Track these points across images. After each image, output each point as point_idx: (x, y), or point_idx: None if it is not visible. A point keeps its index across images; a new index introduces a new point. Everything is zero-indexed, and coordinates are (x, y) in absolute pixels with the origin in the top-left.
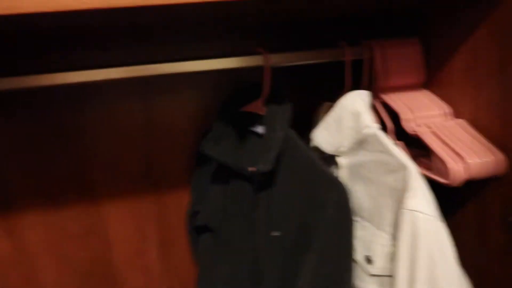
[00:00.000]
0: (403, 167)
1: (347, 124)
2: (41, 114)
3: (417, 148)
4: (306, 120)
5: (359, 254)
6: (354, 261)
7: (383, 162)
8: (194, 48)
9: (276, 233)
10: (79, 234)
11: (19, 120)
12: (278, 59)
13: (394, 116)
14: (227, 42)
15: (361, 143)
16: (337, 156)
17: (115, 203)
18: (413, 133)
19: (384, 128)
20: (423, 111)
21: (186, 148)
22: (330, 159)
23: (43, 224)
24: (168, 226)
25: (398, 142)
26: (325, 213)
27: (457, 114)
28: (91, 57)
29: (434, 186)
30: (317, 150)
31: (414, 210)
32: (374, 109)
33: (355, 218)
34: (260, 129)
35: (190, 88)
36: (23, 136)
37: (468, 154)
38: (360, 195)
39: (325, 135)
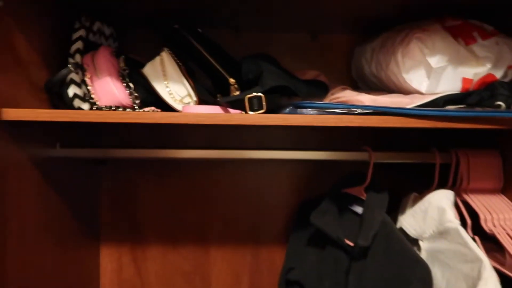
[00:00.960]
0: (478, 260)
1: (432, 216)
2: (182, 175)
3: (491, 243)
4: (393, 204)
5: None
6: None
7: (461, 252)
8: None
9: None
10: (188, 271)
11: (166, 177)
12: (381, 157)
13: (473, 214)
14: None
15: (442, 233)
16: (420, 240)
17: (220, 250)
18: (490, 232)
19: (463, 223)
20: (500, 213)
21: (285, 214)
22: (413, 242)
23: (162, 258)
24: (260, 276)
25: (475, 237)
26: (410, 287)
27: None
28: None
29: (506, 279)
30: (402, 231)
31: None
32: (456, 206)
33: None
34: (359, 210)
35: (296, 168)
36: (164, 191)
37: None
38: (437, 277)
39: (412, 222)
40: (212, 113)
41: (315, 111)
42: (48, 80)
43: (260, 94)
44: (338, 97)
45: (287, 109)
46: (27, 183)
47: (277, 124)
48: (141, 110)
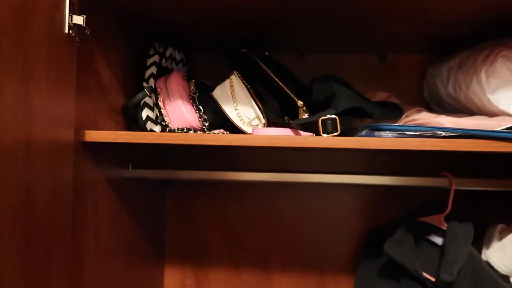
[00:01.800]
0: None
1: None
2: (245, 197)
3: None
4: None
5: None
6: None
7: None
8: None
9: None
10: None
11: (229, 200)
12: (463, 183)
13: None
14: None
15: None
16: (511, 277)
17: (284, 276)
18: None
19: None
20: None
21: (352, 240)
22: (503, 278)
23: (224, 282)
24: None
25: None
26: None
27: None
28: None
29: None
30: (489, 266)
31: None
32: None
33: None
34: (438, 241)
35: (364, 192)
36: (227, 213)
37: None
38: None
39: (501, 256)
40: (284, 135)
41: (395, 134)
42: (125, 104)
43: (334, 116)
44: (414, 120)
45: (363, 132)
46: (103, 203)
47: (353, 147)
48: (210, 133)
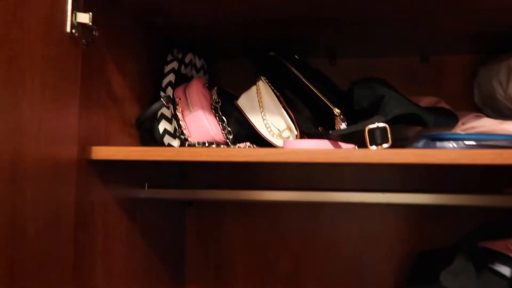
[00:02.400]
0: None
1: None
2: (273, 217)
3: None
4: None
5: None
6: None
7: None
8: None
9: None
10: None
11: (255, 220)
12: None
13: None
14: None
15: None
16: None
17: None
18: None
19: None
20: None
21: (393, 265)
22: None
23: None
24: None
25: None
26: None
27: None
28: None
29: None
30: None
31: None
32: None
33: None
34: (506, 271)
35: (406, 212)
36: (255, 234)
37: None
38: None
39: None
40: (324, 148)
41: (462, 144)
42: (140, 115)
43: (383, 124)
44: (473, 127)
45: (420, 143)
46: (114, 228)
47: (413, 162)
48: (235, 146)
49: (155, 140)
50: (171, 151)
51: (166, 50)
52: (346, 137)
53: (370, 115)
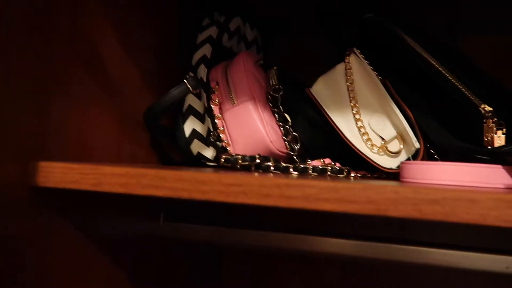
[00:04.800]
0: None
1: None
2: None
3: None
4: None
5: None
6: None
7: None
8: None
9: None
10: None
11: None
12: None
13: None
14: None
15: None
16: None
17: None
18: None
19: None
20: None
21: None
22: None
23: None
24: None
25: None
26: None
27: None
28: None
29: None
30: None
31: None
32: None
33: None
34: None
35: None
36: None
37: None
38: None
39: None
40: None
41: None
42: (150, 107)
43: None
44: None
45: None
46: (112, 271)
47: None
48: (304, 164)
49: (180, 147)
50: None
51: (203, 14)
52: None
53: None
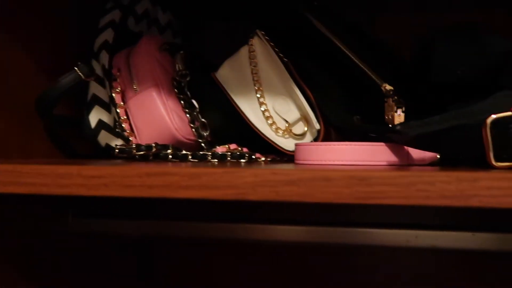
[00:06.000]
0: None
1: None
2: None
3: None
4: None
5: None
6: None
7: None
8: None
9: None
10: None
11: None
12: None
13: None
14: None
15: None
16: None
17: None
18: None
19: None
20: None
21: None
22: None
23: None
24: None
25: None
26: None
27: None
28: None
29: None
30: None
31: None
32: None
33: None
34: None
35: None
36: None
37: None
38: None
39: None
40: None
41: None
42: (38, 97)
43: None
44: None
45: None
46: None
47: None
48: (211, 151)
49: (87, 137)
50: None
51: None
52: (427, 139)
53: (470, 95)
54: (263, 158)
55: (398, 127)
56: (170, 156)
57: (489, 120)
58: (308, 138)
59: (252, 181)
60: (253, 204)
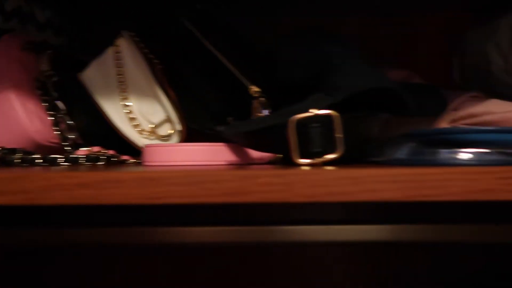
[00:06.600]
0: None
1: None
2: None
3: None
4: None
5: None
6: None
7: None
8: None
9: None
10: None
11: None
12: None
13: None
14: None
15: None
16: None
17: None
18: None
19: None
20: None
21: None
22: None
23: None
24: None
25: None
26: None
27: None
28: None
29: None
30: None
31: None
32: None
33: None
34: None
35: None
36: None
37: None
38: None
39: None
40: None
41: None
42: None
43: (329, 111)
44: (473, 115)
45: (403, 150)
46: None
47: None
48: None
49: None
50: None
51: None
52: (263, 138)
53: (305, 95)
54: (132, 160)
55: (220, 128)
56: (20, 161)
57: (291, 120)
58: (175, 139)
59: (43, 185)
60: (166, 207)
